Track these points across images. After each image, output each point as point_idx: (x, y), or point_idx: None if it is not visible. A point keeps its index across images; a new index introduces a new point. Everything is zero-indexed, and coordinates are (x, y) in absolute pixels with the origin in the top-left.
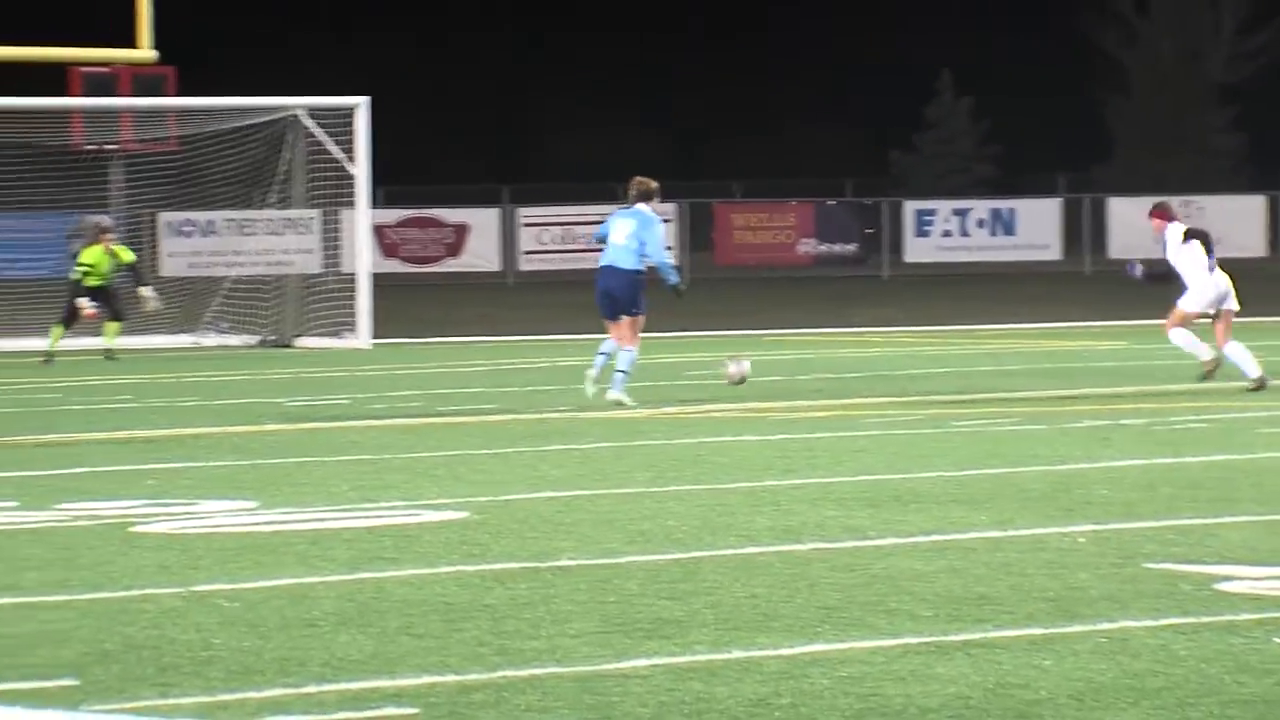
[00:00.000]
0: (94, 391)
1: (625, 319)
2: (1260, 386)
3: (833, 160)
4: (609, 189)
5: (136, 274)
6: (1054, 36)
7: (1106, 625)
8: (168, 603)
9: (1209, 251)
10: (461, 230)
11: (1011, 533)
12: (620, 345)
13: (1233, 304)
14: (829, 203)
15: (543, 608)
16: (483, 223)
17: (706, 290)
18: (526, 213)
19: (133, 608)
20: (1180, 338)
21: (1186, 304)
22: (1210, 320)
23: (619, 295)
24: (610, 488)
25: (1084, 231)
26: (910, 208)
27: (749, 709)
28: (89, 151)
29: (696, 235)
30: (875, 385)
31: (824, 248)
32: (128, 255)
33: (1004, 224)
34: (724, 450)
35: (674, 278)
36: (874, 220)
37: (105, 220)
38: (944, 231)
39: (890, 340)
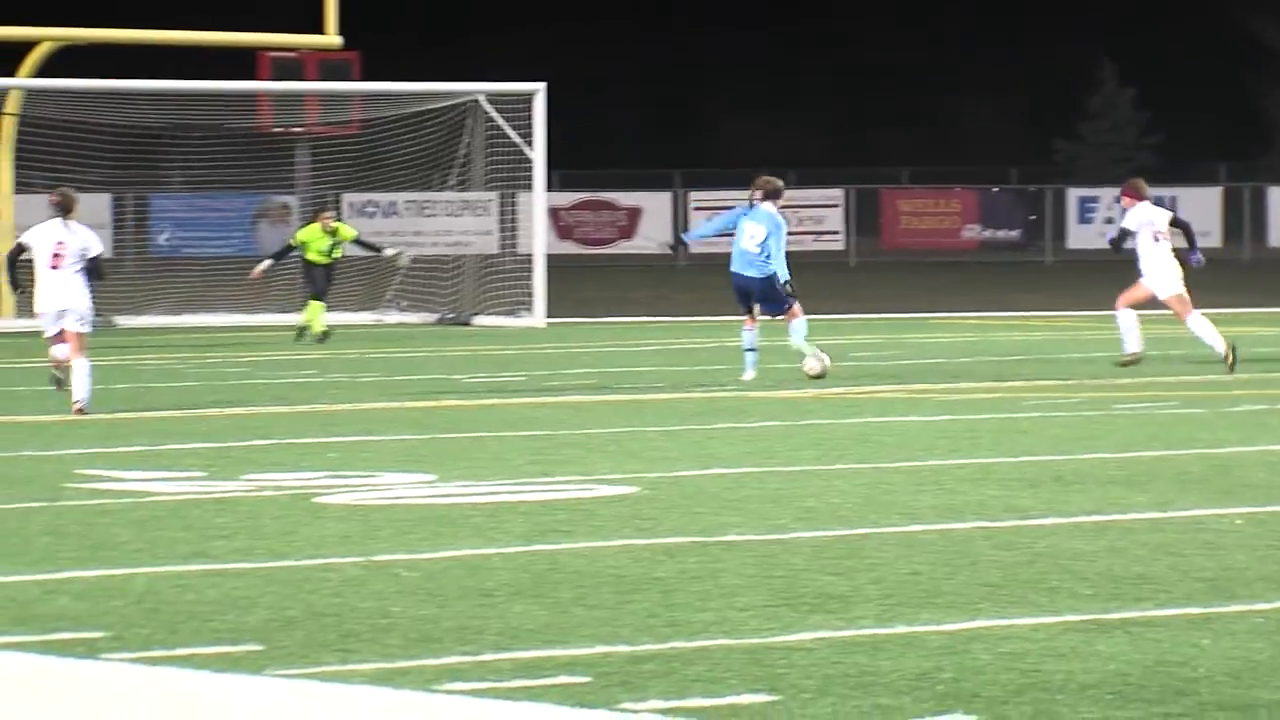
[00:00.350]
0: (279, 367)
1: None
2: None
3: (997, 148)
4: (779, 174)
5: (367, 245)
6: (1215, 28)
7: (1263, 605)
8: (349, 571)
9: (1192, 242)
10: (634, 213)
11: (1171, 514)
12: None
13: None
14: (994, 189)
15: (711, 581)
16: (655, 206)
17: (873, 274)
18: (697, 196)
19: (315, 576)
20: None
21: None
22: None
23: (758, 297)
24: (777, 465)
25: (1244, 220)
26: (1073, 195)
27: (911, 682)
28: (276, 134)
29: (864, 220)
30: (1037, 368)
31: (988, 233)
32: (348, 232)
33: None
34: (888, 430)
35: (784, 276)
36: (1037, 207)
37: (290, 200)
38: (1106, 218)
39: (1052, 325)
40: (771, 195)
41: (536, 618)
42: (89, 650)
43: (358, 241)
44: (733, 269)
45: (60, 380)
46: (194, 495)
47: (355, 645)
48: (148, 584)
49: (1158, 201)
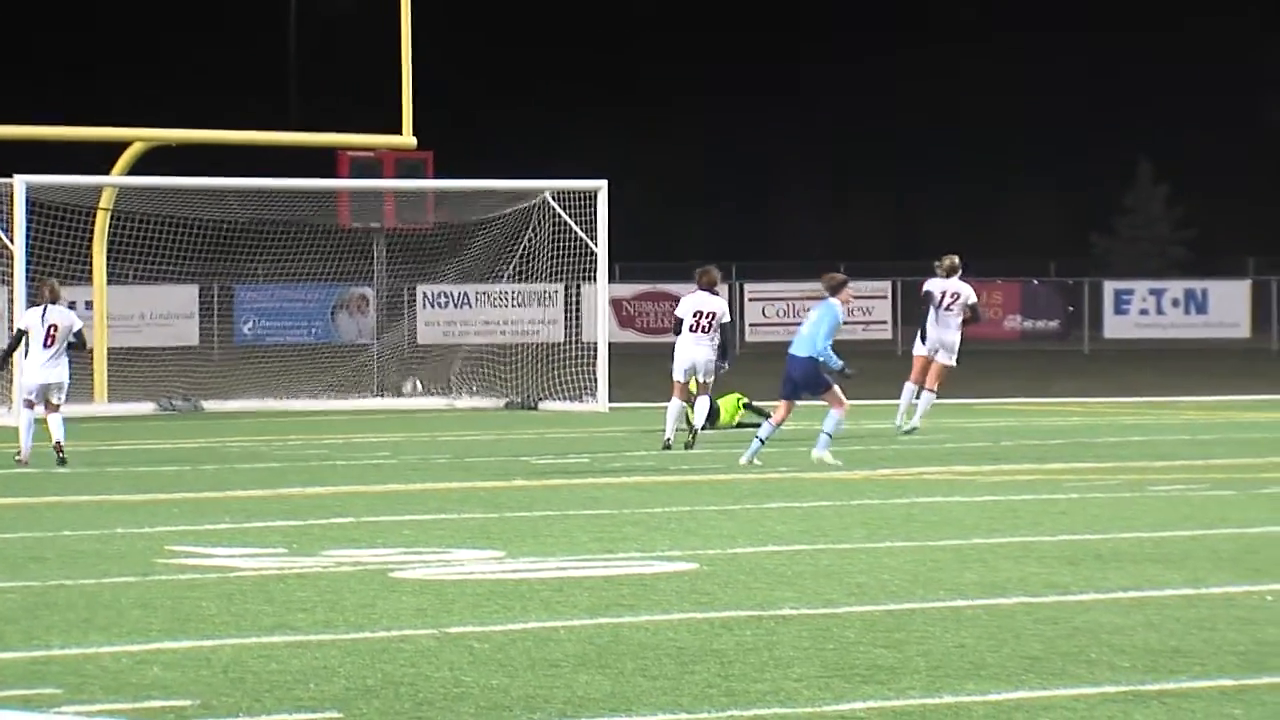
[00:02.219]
0: (356, 449)
1: (810, 396)
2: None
3: (1038, 242)
4: (830, 266)
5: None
6: (1245, 128)
7: None
8: (423, 643)
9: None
10: None
11: (1204, 590)
12: (820, 411)
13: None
14: (1034, 282)
15: (767, 653)
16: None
17: None
18: (753, 288)
19: (392, 647)
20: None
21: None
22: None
23: (798, 379)
24: (829, 543)
25: (1272, 311)
26: (1109, 287)
27: None
28: (354, 228)
29: (909, 311)
30: (1076, 452)
31: (1029, 324)
32: None
33: (1197, 303)
34: (934, 510)
35: (836, 364)
36: (1076, 298)
37: (367, 291)
38: (1141, 309)
39: (1090, 410)
40: (832, 289)
41: (601, 687)
42: (178, 718)
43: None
44: (790, 351)
45: (64, 459)
46: (277, 570)
47: (430, 713)
48: (233, 654)
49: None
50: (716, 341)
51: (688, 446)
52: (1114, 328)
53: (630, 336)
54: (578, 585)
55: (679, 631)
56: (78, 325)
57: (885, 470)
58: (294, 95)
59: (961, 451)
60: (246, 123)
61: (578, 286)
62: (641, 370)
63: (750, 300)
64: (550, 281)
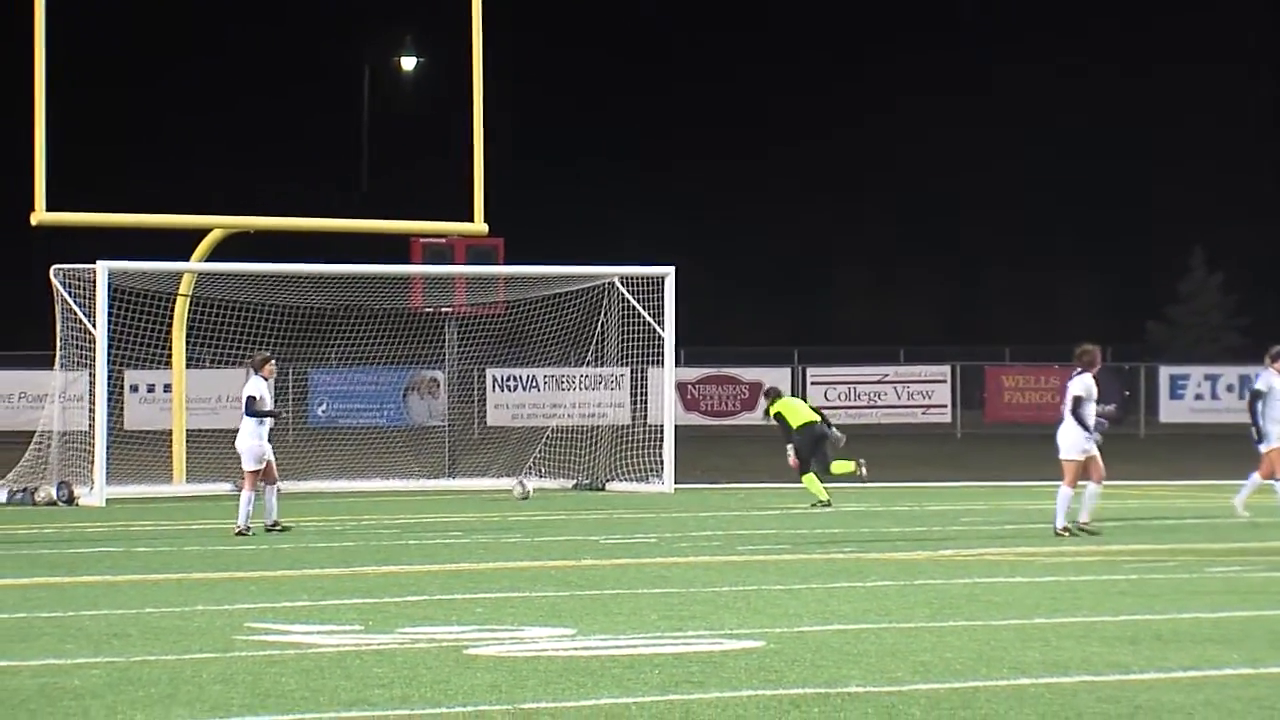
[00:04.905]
0: (429, 528)
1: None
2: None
3: (1093, 329)
4: (892, 351)
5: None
6: None
7: None
8: (498, 719)
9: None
10: (756, 387)
11: (1263, 670)
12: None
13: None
14: None
15: None
16: (775, 380)
17: (978, 444)
18: (815, 372)
19: None
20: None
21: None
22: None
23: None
24: (893, 622)
25: None
26: (1165, 373)
27: None
28: (427, 313)
29: (968, 394)
30: (1134, 534)
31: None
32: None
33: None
34: (996, 590)
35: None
36: (1132, 383)
37: (438, 375)
38: (1196, 395)
39: (1147, 493)
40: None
41: None
42: None
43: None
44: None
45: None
46: (353, 647)
47: None
48: None
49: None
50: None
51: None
52: (1169, 412)
53: (695, 419)
54: (648, 663)
55: (748, 708)
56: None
57: (948, 551)
58: (367, 177)
59: (1023, 533)
60: (323, 210)
61: (644, 369)
62: (706, 452)
63: (813, 384)
64: (618, 365)
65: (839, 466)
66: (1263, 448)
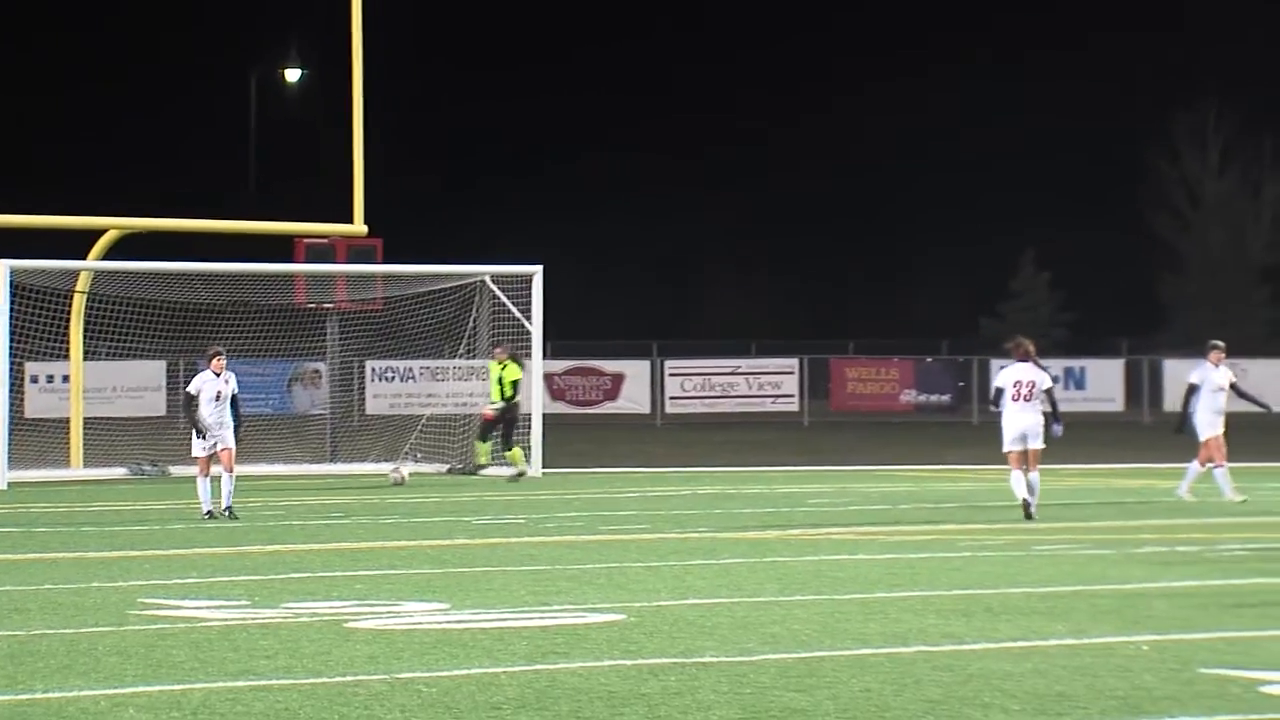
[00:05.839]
0: (311, 510)
1: None
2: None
3: (931, 324)
4: (744, 345)
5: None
6: (1120, 224)
7: None
8: (376, 687)
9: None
10: (618, 378)
11: (1086, 640)
12: None
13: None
14: (927, 360)
15: (690, 697)
16: (636, 372)
17: (824, 432)
18: (672, 364)
19: (347, 691)
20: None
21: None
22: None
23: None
24: (745, 596)
25: (1143, 388)
26: (996, 365)
27: None
28: (309, 309)
29: (814, 385)
30: (967, 514)
31: (923, 398)
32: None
33: (1075, 380)
34: (841, 567)
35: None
36: (966, 375)
37: (320, 366)
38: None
39: (980, 476)
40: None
41: None
42: None
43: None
44: None
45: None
46: (240, 621)
47: None
48: (203, 698)
49: (1078, 371)
50: (1041, 408)
51: (1027, 518)
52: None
53: (561, 408)
54: (516, 635)
55: (609, 677)
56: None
57: (796, 530)
58: (253, 180)
59: (864, 513)
60: (212, 212)
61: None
62: (571, 438)
63: (670, 375)
64: (488, 358)
65: (513, 455)
66: (1201, 437)
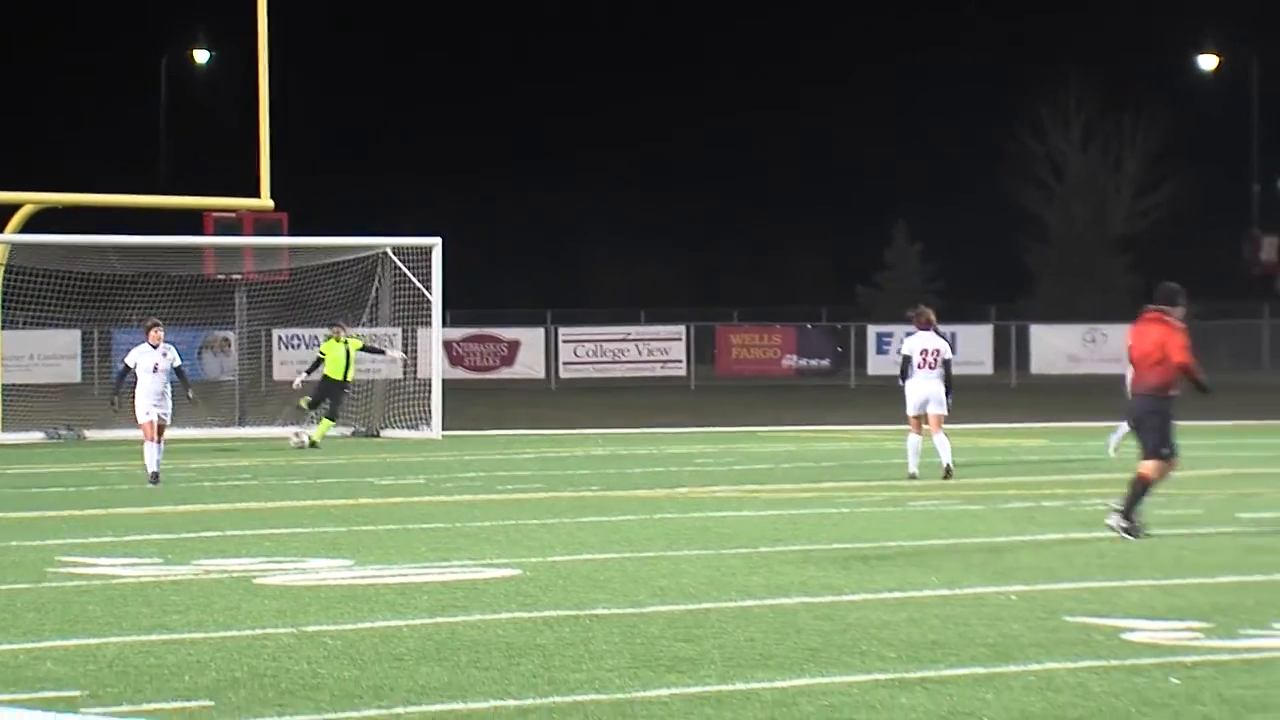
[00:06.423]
0: (221, 472)
1: None
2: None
3: (811, 292)
4: (634, 313)
5: (372, 350)
6: (988, 196)
7: (1035, 666)
8: (284, 640)
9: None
10: (514, 345)
11: (958, 591)
12: None
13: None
14: (808, 326)
15: (583, 647)
16: (531, 339)
17: (710, 395)
18: (566, 331)
19: (256, 644)
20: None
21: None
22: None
23: None
24: (635, 552)
25: (1011, 352)
26: (872, 331)
27: None
28: (218, 279)
29: (701, 351)
30: (845, 473)
31: (803, 362)
32: (355, 343)
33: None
34: (726, 523)
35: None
36: (844, 341)
37: (229, 335)
38: (898, 350)
39: (857, 437)
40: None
41: (439, 678)
42: (69, 706)
43: (364, 349)
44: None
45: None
46: (153, 578)
47: (290, 701)
48: (117, 651)
49: (949, 336)
50: (942, 376)
51: (946, 477)
52: (876, 366)
53: (460, 373)
54: (418, 589)
55: (506, 629)
56: (178, 362)
57: (683, 489)
58: (164, 157)
59: (748, 472)
60: (125, 187)
61: (414, 329)
62: (469, 402)
63: (564, 342)
64: (391, 325)
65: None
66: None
